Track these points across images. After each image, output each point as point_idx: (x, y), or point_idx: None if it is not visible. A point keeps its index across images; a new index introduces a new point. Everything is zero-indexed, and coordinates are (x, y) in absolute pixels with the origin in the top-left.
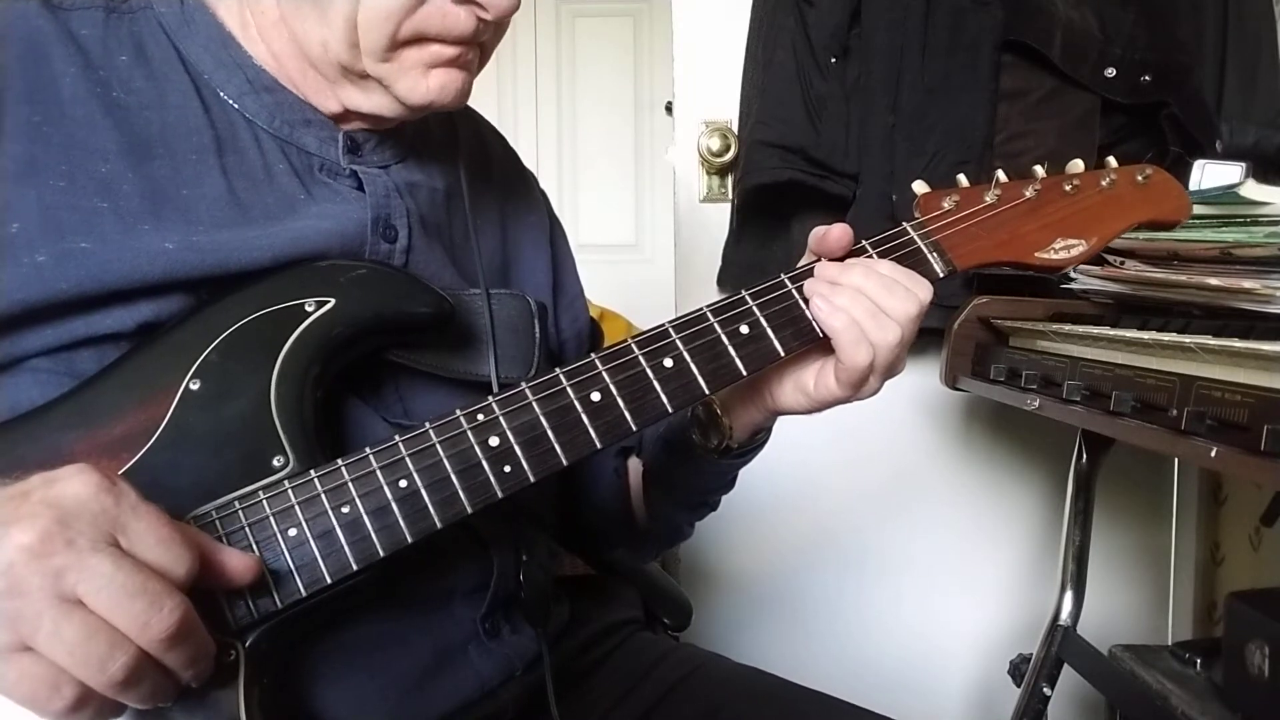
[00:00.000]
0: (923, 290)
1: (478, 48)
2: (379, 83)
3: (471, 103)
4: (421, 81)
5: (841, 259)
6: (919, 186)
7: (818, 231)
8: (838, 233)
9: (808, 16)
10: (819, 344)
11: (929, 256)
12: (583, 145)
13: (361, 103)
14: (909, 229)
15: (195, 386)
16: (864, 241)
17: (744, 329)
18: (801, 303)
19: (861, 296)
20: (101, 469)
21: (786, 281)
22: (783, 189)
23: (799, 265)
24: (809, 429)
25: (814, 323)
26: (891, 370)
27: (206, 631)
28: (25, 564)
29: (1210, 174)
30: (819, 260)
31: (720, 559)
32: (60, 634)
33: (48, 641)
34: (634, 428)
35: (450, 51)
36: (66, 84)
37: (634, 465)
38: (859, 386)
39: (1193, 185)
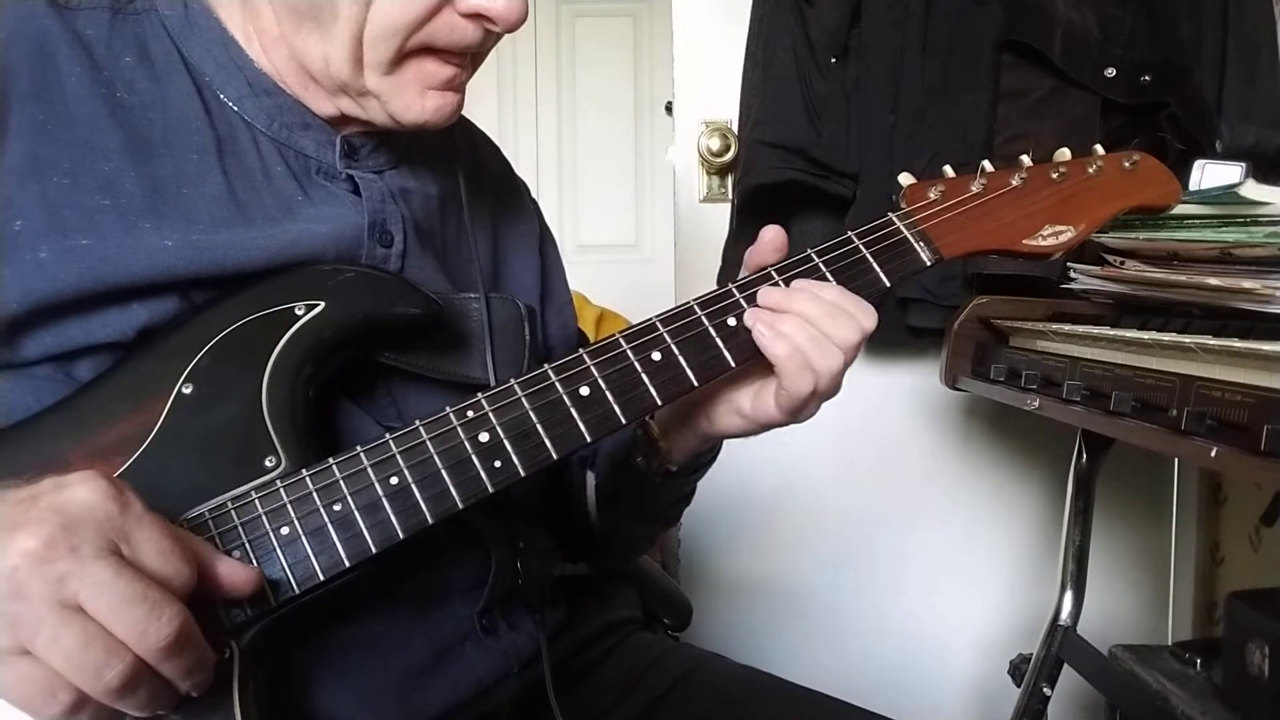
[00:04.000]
0: (867, 318)
1: (469, 62)
2: (377, 99)
3: (471, 103)
4: (417, 102)
5: (784, 268)
6: (905, 178)
7: (751, 252)
8: (770, 234)
9: (808, 16)
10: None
11: (915, 246)
12: (583, 145)
13: (359, 114)
14: (894, 219)
15: (188, 390)
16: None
17: (731, 322)
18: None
19: (805, 324)
20: (109, 476)
21: (774, 274)
22: (783, 189)
23: (744, 277)
24: (809, 429)
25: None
26: (830, 394)
27: (205, 642)
28: (29, 569)
29: (1210, 174)
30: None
31: (720, 559)
32: (59, 640)
33: (46, 647)
34: (623, 421)
35: (448, 72)
36: (71, 83)
37: (590, 479)
38: (798, 412)
39: (1193, 185)
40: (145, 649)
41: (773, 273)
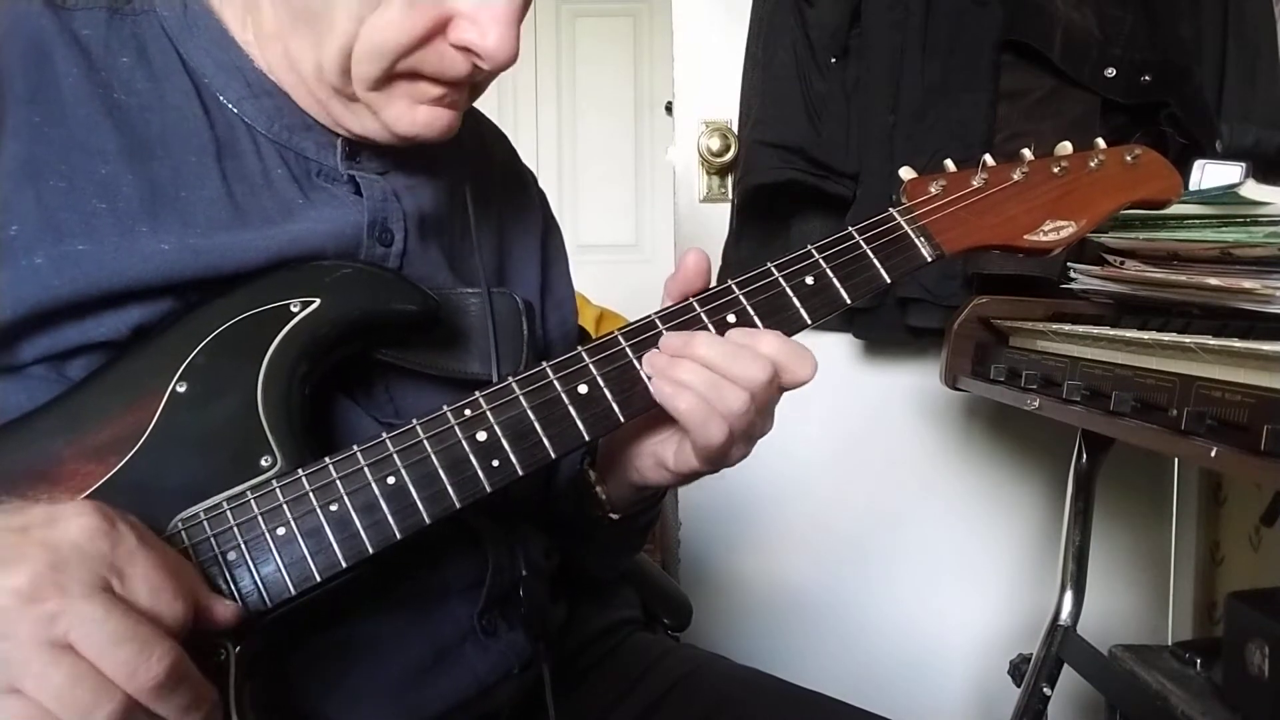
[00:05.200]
0: (803, 369)
1: (469, 87)
2: (367, 108)
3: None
4: (408, 113)
5: (785, 264)
6: (905, 173)
7: (672, 283)
8: (693, 259)
9: (808, 16)
10: None
11: (916, 242)
12: (583, 145)
13: (351, 124)
14: (895, 214)
15: (182, 389)
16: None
17: (731, 318)
18: (791, 291)
19: (702, 369)
20: (104, 509)
21: (774, 270)
22: (783, 189)
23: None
24: (809, 430)
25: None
26: (754, 433)
27: (203, 679)
28: (17, 608)
29: (1210, 174)
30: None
31: (720, 559)
32: (47, 679)
33: (35, 686)
34: (622, 419)
35: (437, 91)
36: (68, 85)
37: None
38: (720, 461)
39: (1193, 185)
40: (135, 688)
41: (771, 267)
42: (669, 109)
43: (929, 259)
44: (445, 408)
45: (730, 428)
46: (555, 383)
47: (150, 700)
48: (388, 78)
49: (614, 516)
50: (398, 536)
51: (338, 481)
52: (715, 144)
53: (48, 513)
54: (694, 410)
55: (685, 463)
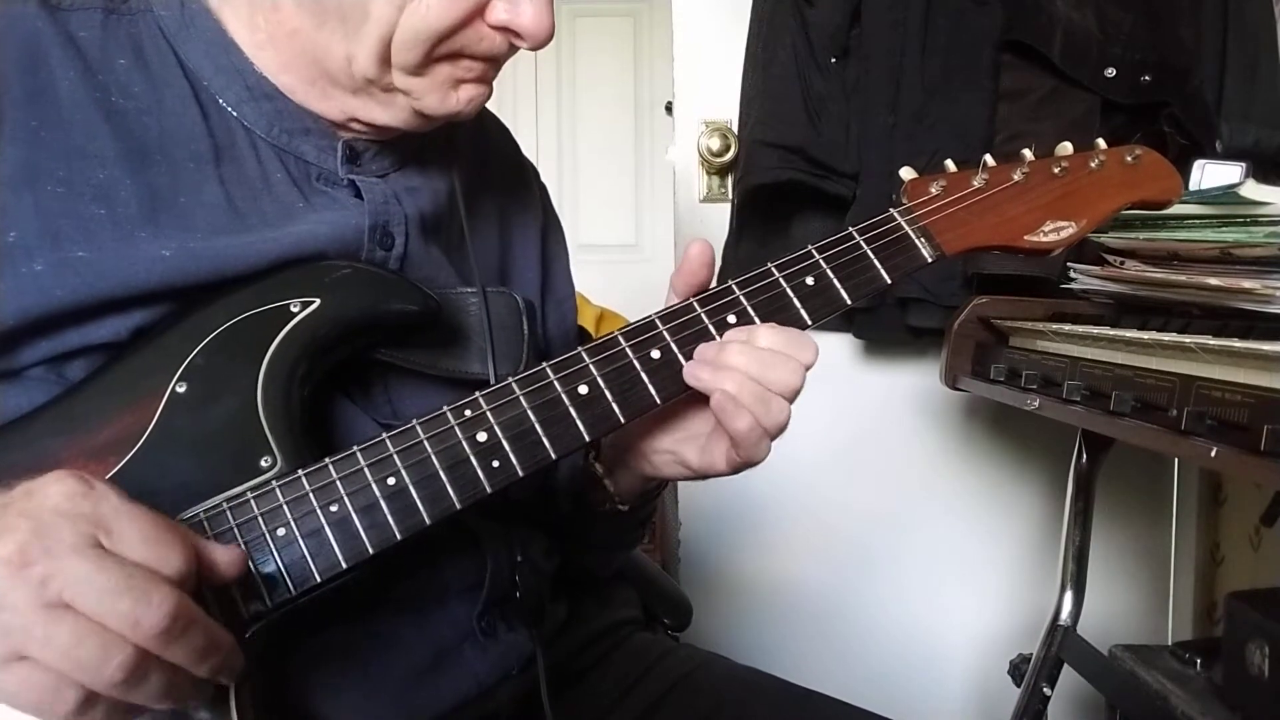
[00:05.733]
0: (806, 353)
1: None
2: (405, 95)
3: None
4: (451, 95)
5: (785, 264)
6: (906, 173)
7: (677, 277)
8: (696, 250)
9: (808, 16)
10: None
11: (917, 243)
12: (583, 145)
13: (378, 115)
14: (896, 215)
15: (182, 389)
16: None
17: (731, 319)
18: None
19: (748, 381)
20: (79, 474)
21: (774, 270)
22: (783, 189)
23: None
24: (809, 430)
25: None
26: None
27: (217, 625)
28: (8, 577)
29: (1210, 174)
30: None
31: (720, 559)
32: (52, 640)
33: (41, 649)
34: (623, 420)
35: (480, 67)
36: (65, 87)
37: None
38: (744, 469)
39: (1193, 185)
40: (141, 637)
41: (772, 267)
42: (669, 109)
43: (929, 259)
44: (445, 408)
45: (771, 440)
46: (555, 383)
47: (159, 647)
48: (428, 61)
49: (623, 508)
50: (398, 537)
51: (338, 482)
52: (715, 144)
53: (25, 487)
54: (752, 431)
55: (711, 466)
